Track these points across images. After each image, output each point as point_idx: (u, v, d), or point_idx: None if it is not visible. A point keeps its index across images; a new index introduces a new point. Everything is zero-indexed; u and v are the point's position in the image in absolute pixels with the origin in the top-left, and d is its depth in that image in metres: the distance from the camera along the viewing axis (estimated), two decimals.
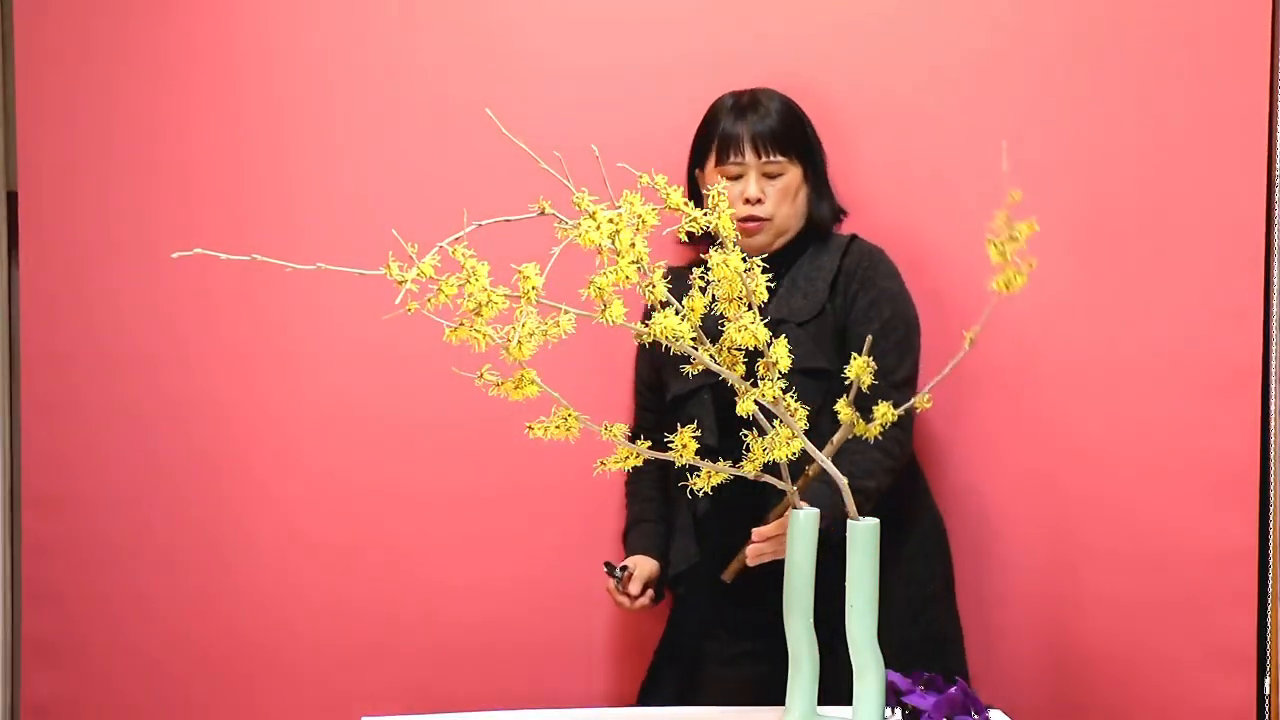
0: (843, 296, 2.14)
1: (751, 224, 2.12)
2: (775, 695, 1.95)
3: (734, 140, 2.12)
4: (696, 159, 2.20)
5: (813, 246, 2.18)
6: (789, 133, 2.14)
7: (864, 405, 1.65)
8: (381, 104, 2.39)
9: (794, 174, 2.14)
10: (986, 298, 1.71)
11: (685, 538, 2.16)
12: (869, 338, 1.69)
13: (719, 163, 2.13)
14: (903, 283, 2.19)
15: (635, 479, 2.29)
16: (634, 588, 2.12)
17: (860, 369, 1.63)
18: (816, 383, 2.05)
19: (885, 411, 1.64)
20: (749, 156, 2.11)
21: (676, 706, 2.10)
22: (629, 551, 2.21)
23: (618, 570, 2.13)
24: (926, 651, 2.14)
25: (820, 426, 1.88)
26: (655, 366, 2.23)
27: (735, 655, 2.16)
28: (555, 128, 2.24)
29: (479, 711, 2.00)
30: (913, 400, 1.65)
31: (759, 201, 2.12)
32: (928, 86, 2.38)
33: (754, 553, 1.94)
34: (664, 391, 2.20)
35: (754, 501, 1.97)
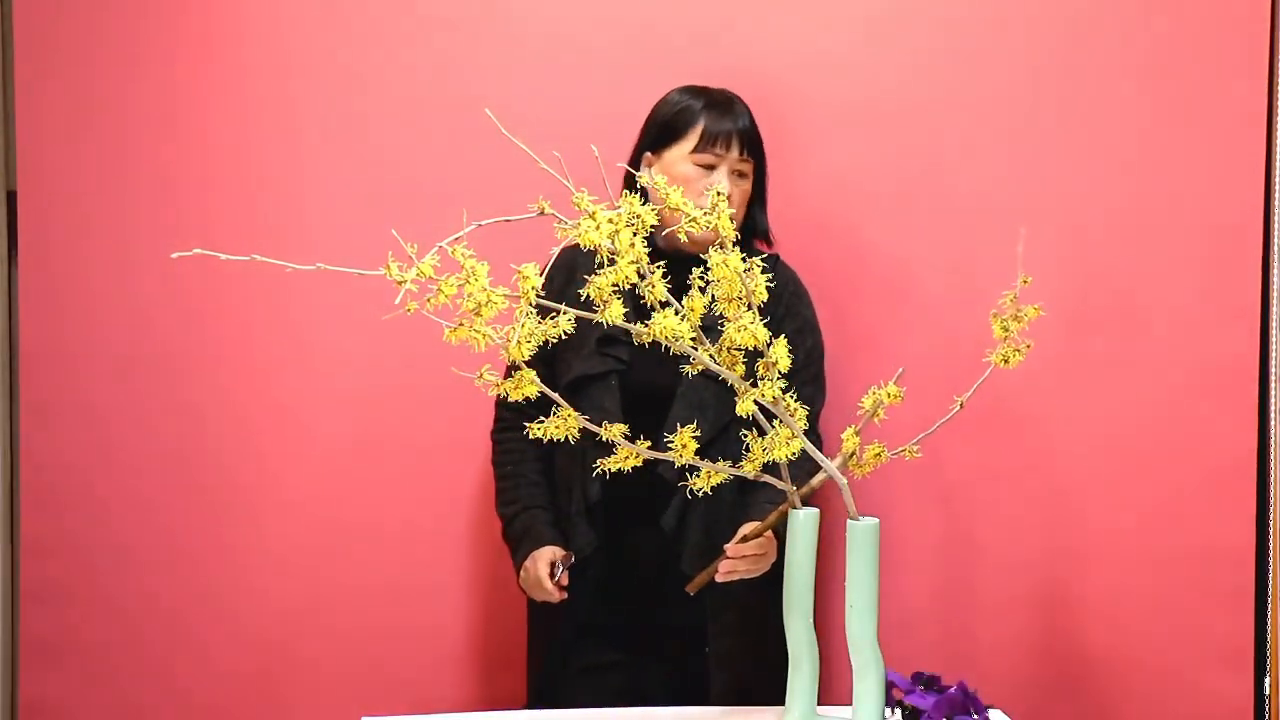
0: (770, 316, 2.11)
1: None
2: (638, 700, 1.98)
3: (722, 133, 2.10)
4: (655, 143, 2.14)
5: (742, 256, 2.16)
6: (758, 137, 2.14)
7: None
8: (382, 104, 2.39)
9: (750, 180, 2.14)
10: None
11: (582, 523, 2.12)
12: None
13: (699, 150, 2.10)
14: (815, 312, 2.21)
15: (514, 456, 2.20)
16: (565, 579, 2.08)
17: (893, 395, 1.64)
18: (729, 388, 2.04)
19: (879, 452, 1.65)
20: (732, 151, 2.10)
21: (673, 707, 2.10)
22: (530, 540, 2.11)
23: (563, 564, 2.07)
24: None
25: (732, 431, 1.90)
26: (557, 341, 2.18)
27: (608, 663, 2.13)
28: (555, 127, 2.24)
29: (479, 711, 2.00)
30: (902, 448, 1.67)
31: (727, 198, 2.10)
32: (911, 86, 2.38)
33: (726, 568, 1.89)
34: (556, 366, 2.12)
35: (648, 489, 1.96)
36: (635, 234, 1.42)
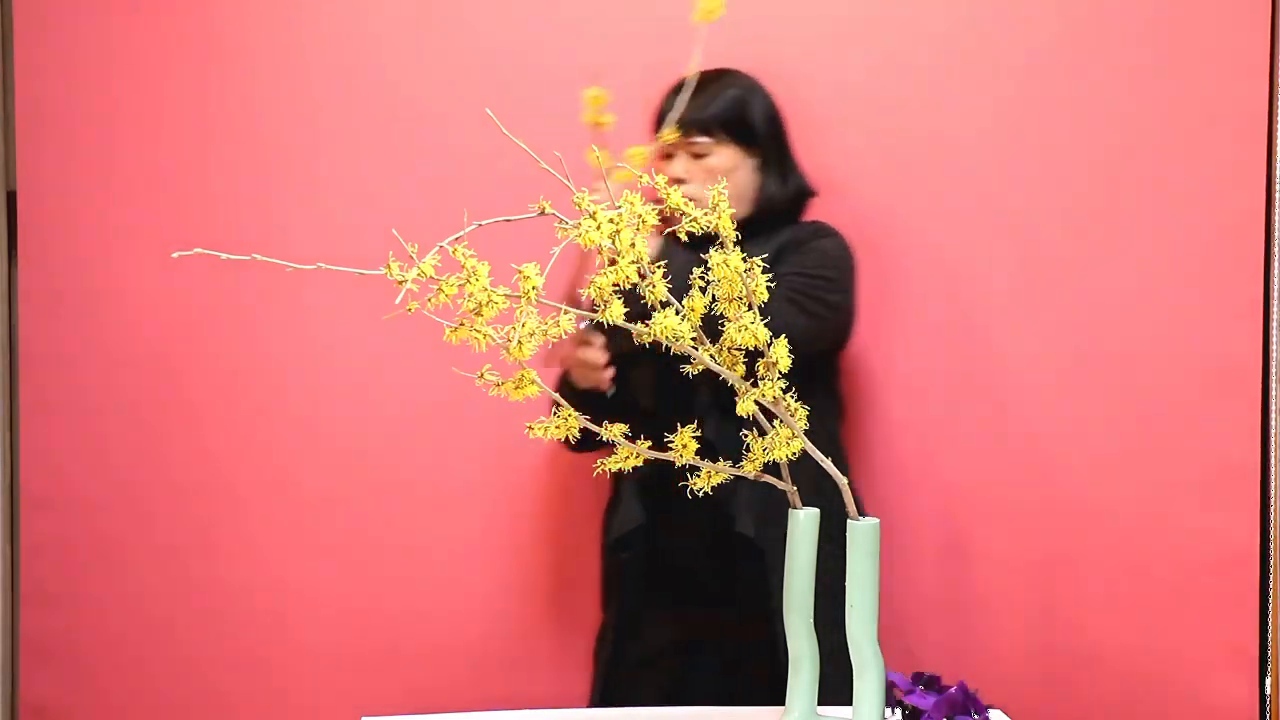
0: (784, 264, 2.08)
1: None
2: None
3: (662, 119, 2.11)
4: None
5: (771, 228, 2.14)
6: (719, 113, 2.12)
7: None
8: (383, 104, 2.39)
9: (726, 155, 2.13)
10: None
11: (629, 500, 2.14)
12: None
13: (654, 139, 2.11)
14: (848, 256, 2.15)
15: None
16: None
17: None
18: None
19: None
20: (674, 136, 2.09)
21: (675, 706, 2.10)
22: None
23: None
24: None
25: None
26: None
27: (665, 652, 2.15)
28: (555, 128, 2.24)
29: (479, 711, 2.00)
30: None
31: (681, 182, 2.10)
32: (910, 85, 2.38)
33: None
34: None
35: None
36: (636, 233, 1.41)
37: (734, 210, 2.10)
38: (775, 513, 1.97)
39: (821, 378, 2.12)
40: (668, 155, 2.11)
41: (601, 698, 2.19)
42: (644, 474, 2.08)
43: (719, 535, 2.06)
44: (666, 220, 1.45)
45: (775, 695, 2.01)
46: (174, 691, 2.42)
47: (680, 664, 2.15)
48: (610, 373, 2.05)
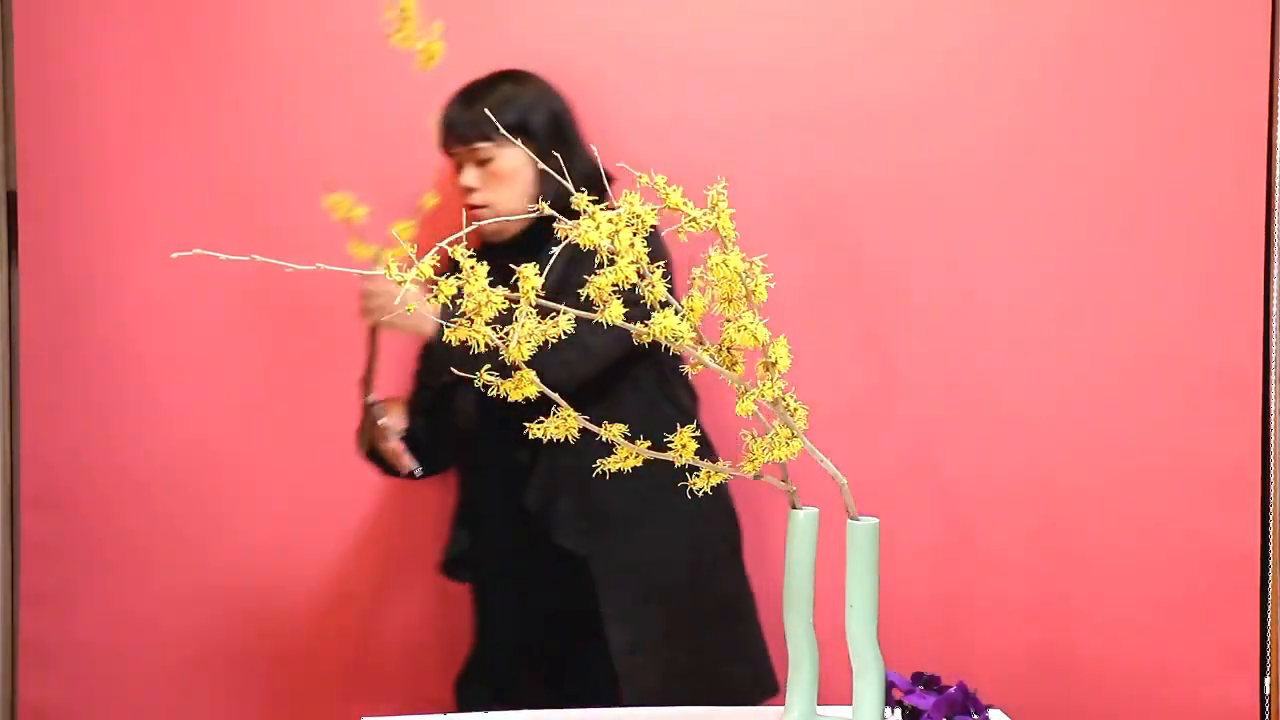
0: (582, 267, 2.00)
1: (472, 211, 2.09)
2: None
3: (444, 129, 2.12)
4: None
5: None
6: (499, 115, 2.06)
7: None
8: (382, 104, 2.39)
9: (510, 157, 2.10)
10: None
11: (457, 525, 2.22)
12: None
13: (443, 152, 2.13)
14: (659, 249, 1.91)
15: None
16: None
17: None
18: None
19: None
20: (457, 145, 2.10)
21: (664, 707, 2.09)
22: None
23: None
24: (717, 613, 2.17)
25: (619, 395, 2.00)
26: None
27: (530, 662, 2.20)
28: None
29: (478, 712, 2.00)
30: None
31: (473, 190, 2.11)
32: (910, 85, 2.38)
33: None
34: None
35: (515, 486, 2.01)
36: (635, 234, 1.41)
37: (524, 211, 2.09)
38: (595, 523, 2.00)
39: (673, 363, 1.95)
40: (458, 167, 2.12)
41: (455, 700, 2.24)
42: (466, 500, 2.13)
43: (544, 549, 2.10)
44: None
45: (610, 696, 2.03)
46: (173, 693, 2.42)
47: (525, 667, 2.19)
48: (407, 459, 2.15)
